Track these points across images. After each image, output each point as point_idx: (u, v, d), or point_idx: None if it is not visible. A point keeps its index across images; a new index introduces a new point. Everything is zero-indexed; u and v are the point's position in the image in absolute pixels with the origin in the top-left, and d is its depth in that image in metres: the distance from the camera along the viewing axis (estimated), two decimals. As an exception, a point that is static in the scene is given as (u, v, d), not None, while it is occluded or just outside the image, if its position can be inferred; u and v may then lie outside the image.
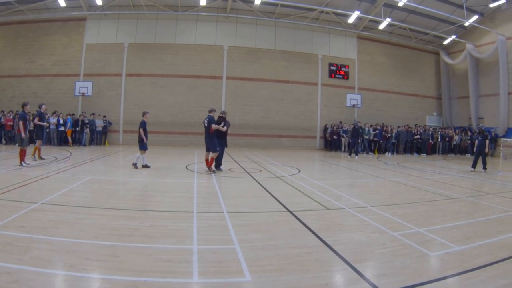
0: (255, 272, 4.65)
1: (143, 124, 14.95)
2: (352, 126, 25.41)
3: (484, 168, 17.94)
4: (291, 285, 4.37)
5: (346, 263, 5.06)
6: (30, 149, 15.30)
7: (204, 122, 13.98)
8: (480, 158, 18.00)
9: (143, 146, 14.74)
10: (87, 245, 5.38)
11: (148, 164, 14.80)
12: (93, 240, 5.61)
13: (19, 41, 28.80)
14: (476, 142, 18.61)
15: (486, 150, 17.82)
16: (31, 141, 15.84)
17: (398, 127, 29.90)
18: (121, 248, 5.35)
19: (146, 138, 14.91)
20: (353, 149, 24.15)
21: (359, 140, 26.12)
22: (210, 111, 14.14)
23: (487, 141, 17.86)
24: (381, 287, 4.32)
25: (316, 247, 5.72)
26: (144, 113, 15.46)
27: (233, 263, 4.96)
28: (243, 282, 4.42)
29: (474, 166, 18.13)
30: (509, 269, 4.99)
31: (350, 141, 24.94)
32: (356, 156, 23.91)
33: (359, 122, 28.14)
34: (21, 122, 14.11)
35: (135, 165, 14.47)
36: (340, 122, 30.25)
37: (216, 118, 14.36)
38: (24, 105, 14.51)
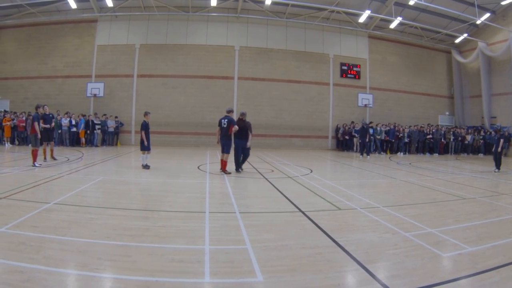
0: (267, 273, 4.65)
1: (144, 126, 14.91)
2: (360, 126, 25.36)
3: (498, 167, 17.84)
4: (303, 285, 4.36)
5: (358, 264, 5.04)
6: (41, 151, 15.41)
7: (222, 123, 13.80)
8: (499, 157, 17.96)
9: (144, 147, 14.78)
10: (99, 245, 5.42)
11: (148, 165, 14.83)
12: (105, 240, 5.65)
13: (31, 43, 29.07)
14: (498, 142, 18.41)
15: (499, 149, 17.80)
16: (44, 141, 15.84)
17: (409, 126, 29.75)
18: (133, 248, 5.37)
19: (148, 139, 14.86)
20: (363, 149, 24.12)
21: (371, 140, 26.10)
22: (229, 112, 14.05)
23: (501, 140, 17.87)
24: (393, 288, 4.30)
25: (328, 248, 5.71)
26: (145, 114, 15.34)
27: (245, 263, 4.97)
28: (255, 282, 4.42)
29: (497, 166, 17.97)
30: (523, 270, 4.94)
31: (360, 141, 24.94)
32: (368, 156, 23.85)
33: (372, 122, 28.03)
34: (35, 123, 14.29)
35: (144, 166, 14.53)
36: (352, 122, 30.11)
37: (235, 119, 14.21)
38: (37, 107, 14.74)
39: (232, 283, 4.38)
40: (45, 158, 15.55)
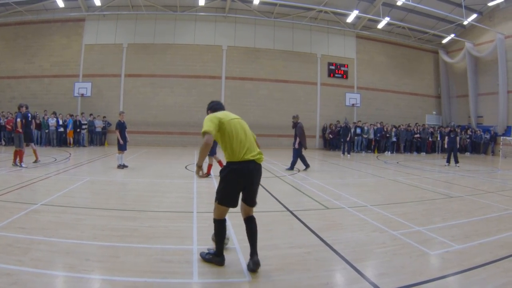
0: (255, 272, 4.65)
1: (118, 125, 14.86)
2: (343, 125, 25.52)
3: (456, 162, 19.15)
4: (292, 285, 4.37)
5: (346, 263, 5.06)
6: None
7: None
8: (452, 154, 19.41)
9: (121, 147, 14.69)
10: (87, 246, 5.39)
11: (126, 164, 14.85)
12: (93, 241, 5.62)
13: (18, 42, 28.79)
14: (447, 139, 19.98)
15: (457, 146, 19.44)
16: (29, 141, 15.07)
17: (399, 126, 29.98)
18: (121, 249, 5.35)
19: (124, 138, 14.81)
20: (345, 147, 24.54)
21: (353, 139, 26.81)
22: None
23: (458, 138, 19.53)
24: (381, 286, 4.32)
25: (316, 247, 5.73)
26: (120, 113, 15.26)
27: (233, 263, 4.98)
28: (243, 282, 4.43)
29: (448, 161, 19.44)
30: (509, 268, 4.99)
31: (342, 140, 25.21)
32: (349, 155, 24.13)
33: (360, 121, 28.25)
34: (18, 120, 14.06)
35: (120, 166, 14.48)
36: (338, 122, 30.06)
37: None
38: (20, 107, 14.50)
39: (220, 283, 4.38)
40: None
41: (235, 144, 4.86)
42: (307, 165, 16.01)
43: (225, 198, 4.82)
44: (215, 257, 4.88)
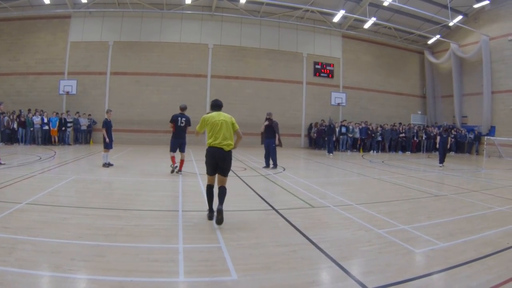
0: (241, 271, 4.65)
1: (105, 124, 14.71)
2: (328, 124, 25.59)
3: (442, 162, 19.30)
4: (277, 283, 4.38)
5: (332, 261, 5.08)
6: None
7: (181, 121, 13.20)
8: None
9: (107, 145, 14.55)
10: (72, 246, 5.34)
11: (111, 163, 14.75)
12: (79, 240, 5.57)
13: (2, 39, 28.36)
14: (439, 138, 19.87)
15: (448, 146, 19.51)
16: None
17: (382, 125, 30.19)
18: (107, 248, 5.32)
19: (111, 137, 14.69)
20: (329, 146, 24.58)
21: (338, 138, 27.44)
22: (184, 109, 13.45)
23: (450, 138, 19.64)
24: (367, 284, 4.34)
25: (302, 245, 5.74)
26: (107, 111, 15.09)
27: (219, 261, 4.97)
28: (229, 280, 4.42)
29: (441, 161, 19.33)
30: (493, 265, 5.05)
31: (326, 139, 25.27)
32: (331, 154, 24.16)
33: (345, 120, 28.42)
34: None
35: (106, 164, 14.38)
36: (322, 120, 30.15)
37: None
38: None
39: (206, 281, 4.37)
40: None
41: (210, 135, 7.09)
42: (268, 165, 16.03)
43: (207, 169, 7.16)
44: (208, 213, 7.16)
